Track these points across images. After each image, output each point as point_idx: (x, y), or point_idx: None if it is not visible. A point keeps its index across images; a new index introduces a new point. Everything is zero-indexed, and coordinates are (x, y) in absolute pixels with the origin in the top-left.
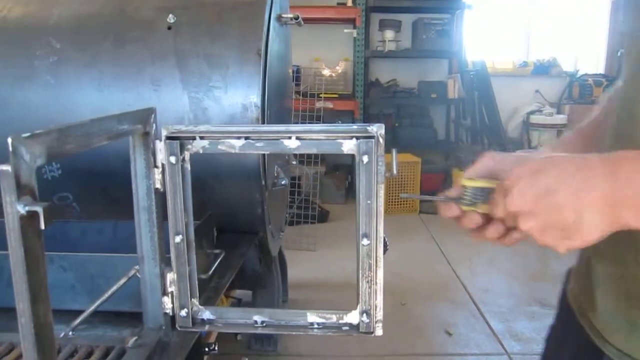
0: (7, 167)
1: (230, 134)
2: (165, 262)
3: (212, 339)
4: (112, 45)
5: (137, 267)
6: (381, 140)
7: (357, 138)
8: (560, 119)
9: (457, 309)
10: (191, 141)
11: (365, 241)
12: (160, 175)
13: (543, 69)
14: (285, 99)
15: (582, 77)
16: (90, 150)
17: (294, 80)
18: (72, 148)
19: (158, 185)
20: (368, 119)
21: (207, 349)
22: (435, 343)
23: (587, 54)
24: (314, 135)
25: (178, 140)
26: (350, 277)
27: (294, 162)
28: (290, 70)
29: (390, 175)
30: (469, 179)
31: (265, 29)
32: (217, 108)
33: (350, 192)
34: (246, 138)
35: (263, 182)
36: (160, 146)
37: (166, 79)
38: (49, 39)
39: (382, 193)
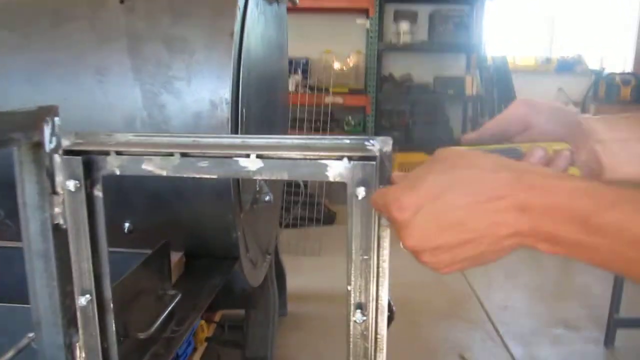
0: None
1: (159, 147)
2: (75, 326)
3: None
4: (49, 24)
5: (31, 334)
6: (387, 162)
7: (350, 159)
8: None
9: (472, 329)
10: (103, 157)
11: (359, 316)
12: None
13: (567, 66)
14: (277, 97)
15: (608, 76)
16: None
17: (302, 73)
18: None
19: (60, 221)
20: (380, 115)
21: None
22: None
23: (615, 51)
24: (285, 153)
25: (80, 157)
26: None
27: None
28: (286, 61)
29: None
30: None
31: (241, 3)
32: (177, 105)
33: None
34: (183, 155)
35: (237, 201)
36: (59, 164)
37: (114, 66)
38: None
39: (387, 243)
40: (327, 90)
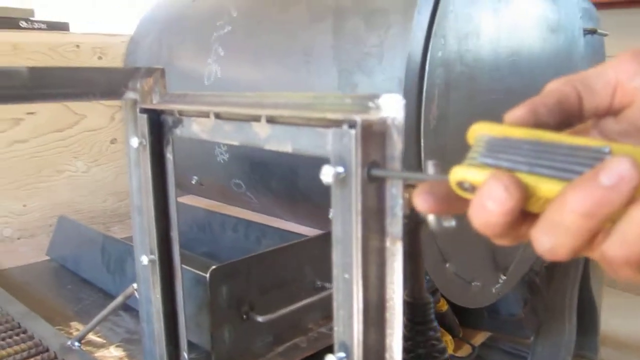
0: None
1: (202, 105)
2: None
3: None
4: (278, 9)
5: (135, 285)
6: (396, 136)
7: (330, 126)
8: None
9: None
10: (167, 117)
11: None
12: None
13: None
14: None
15: None
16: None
17: None
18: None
19: None
20: None
21: None
22: None
23: None
24: (289, 116)
25: (146, 115)
26: None
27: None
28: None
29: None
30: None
31: None
32: (367, 84)
33: None
34: (216, 116)
35: None
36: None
37: (318, 46)
38: (230, 8)
39: (398, 264)
40: None
